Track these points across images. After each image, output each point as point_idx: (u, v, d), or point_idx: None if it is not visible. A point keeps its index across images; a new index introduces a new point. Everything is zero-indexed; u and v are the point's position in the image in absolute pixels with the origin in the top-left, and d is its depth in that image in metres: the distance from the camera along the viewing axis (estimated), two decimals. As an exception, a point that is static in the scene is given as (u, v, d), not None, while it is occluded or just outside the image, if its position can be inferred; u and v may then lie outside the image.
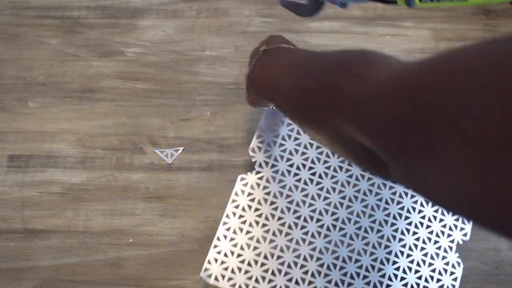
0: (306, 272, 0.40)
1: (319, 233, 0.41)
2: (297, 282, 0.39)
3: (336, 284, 0.39)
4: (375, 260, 0.40)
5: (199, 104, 0.51)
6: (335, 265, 0.40)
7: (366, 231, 0.41)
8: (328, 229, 0.41)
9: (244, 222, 0.41)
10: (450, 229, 0.41)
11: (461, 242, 0.41)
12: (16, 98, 0.52)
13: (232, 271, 0.39)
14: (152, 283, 0.41)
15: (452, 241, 0.41)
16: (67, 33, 0.56)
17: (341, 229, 0.42)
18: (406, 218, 0.42)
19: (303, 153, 0.45)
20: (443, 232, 0.41)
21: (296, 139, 0.45)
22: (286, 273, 0.39)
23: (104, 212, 0.44)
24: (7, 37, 0.57)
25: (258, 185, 0.43)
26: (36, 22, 0.58)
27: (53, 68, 0.54)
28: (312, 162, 0.44)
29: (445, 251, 0.40)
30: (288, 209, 0.42)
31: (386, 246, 0.41)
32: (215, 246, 0.40)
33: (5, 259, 0.42)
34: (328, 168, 0.44)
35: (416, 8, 0.36)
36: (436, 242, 0.41)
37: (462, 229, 0.41)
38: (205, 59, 0.54)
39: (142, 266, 0.41)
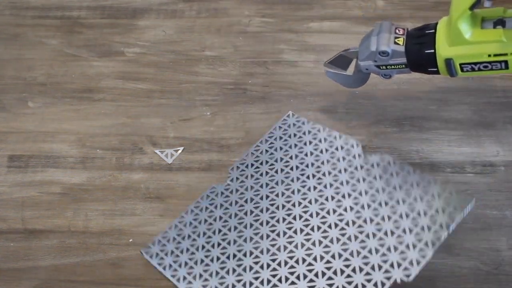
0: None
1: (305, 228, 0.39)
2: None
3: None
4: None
5: (199, 104, 0.51)
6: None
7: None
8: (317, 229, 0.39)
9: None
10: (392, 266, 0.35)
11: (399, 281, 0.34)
12: (16, 98, 0.52)
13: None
14: (152, 283, 0.40)
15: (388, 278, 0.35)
16: (67, 33, 0.56)
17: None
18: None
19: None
20: (380, 267, 0.35)
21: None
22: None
23: (104, 212, 0.44)
24: (7, 37, 0.57)
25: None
26: (36, 22, 0.58)
27: (53, 68, 0.54)
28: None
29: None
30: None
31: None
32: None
33: (5, 259, 0.42)
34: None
35: (459, 76, 0.37)
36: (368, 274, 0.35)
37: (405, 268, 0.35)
38: (205, 59, 0.54)
39: (142, 266, 0.41)
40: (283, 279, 0.37)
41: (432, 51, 0.36)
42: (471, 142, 0.46)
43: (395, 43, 0.37)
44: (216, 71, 0.52)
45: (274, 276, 0.37)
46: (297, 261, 0.37)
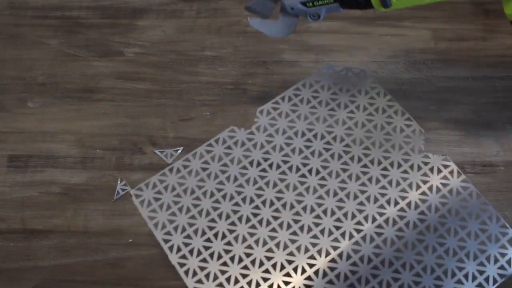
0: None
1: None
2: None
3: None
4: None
5: (199, 104, 0.51)
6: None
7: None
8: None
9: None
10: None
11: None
12: (16, 98, 0.52)
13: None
14: (152, 283, 0.40)
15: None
16: (67, 33, 0.56)
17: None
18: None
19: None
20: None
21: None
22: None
23: (104, 212, 0.44)
24: (7, 37, 0.57)
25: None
26: (36, 22, 0.58)
27: (53, 68, 0.54)
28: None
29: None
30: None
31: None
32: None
33: (5, 259, 0.42)
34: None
35: (393, 9, 0.35)
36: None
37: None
38: (204, 59, 0.54)
39: (142, 266, 0.41)
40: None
41: None
42: (470, 142, 0.45)
43: None
44: (216, 71, 0.53)
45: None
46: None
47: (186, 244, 0.38)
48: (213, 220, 0.38)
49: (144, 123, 0.49)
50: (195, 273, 0.37)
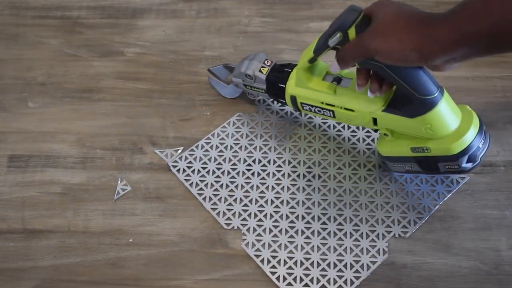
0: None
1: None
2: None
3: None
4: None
5: (199, 104, 0.51)
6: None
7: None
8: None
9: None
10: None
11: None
12: (16, 98, 0.52)
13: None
14: (152, 283, 0.40)
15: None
16: (67, 33, 0.56)
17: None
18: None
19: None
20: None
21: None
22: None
23: (104, 212, 0.44)
24: (7, 37, 0.57)
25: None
26: (36, 22, 0.58)
27: (53, 68, 0.54)
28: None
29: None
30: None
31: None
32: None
33: (5, 259, 0.41)
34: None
35: (302, 112, 0.45)
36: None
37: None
38: (204, 59, 0.54)
39: (142, 266, 0.41)
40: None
41: (284, 86, 0.43)
42: (471, 142, 0.46)
43: (260, 71, 0.45)
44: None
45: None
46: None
47: (215, 195, 0.45)
48: (233, 177, 0.45)
49: (144, 123, 0.49)
50: (224, 214, 0.43)
